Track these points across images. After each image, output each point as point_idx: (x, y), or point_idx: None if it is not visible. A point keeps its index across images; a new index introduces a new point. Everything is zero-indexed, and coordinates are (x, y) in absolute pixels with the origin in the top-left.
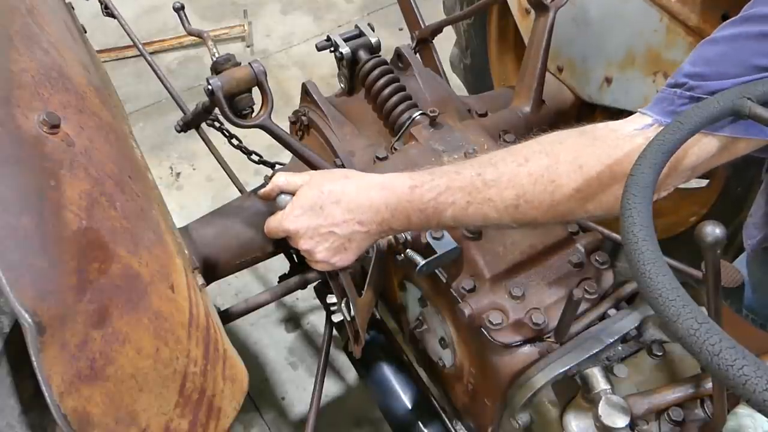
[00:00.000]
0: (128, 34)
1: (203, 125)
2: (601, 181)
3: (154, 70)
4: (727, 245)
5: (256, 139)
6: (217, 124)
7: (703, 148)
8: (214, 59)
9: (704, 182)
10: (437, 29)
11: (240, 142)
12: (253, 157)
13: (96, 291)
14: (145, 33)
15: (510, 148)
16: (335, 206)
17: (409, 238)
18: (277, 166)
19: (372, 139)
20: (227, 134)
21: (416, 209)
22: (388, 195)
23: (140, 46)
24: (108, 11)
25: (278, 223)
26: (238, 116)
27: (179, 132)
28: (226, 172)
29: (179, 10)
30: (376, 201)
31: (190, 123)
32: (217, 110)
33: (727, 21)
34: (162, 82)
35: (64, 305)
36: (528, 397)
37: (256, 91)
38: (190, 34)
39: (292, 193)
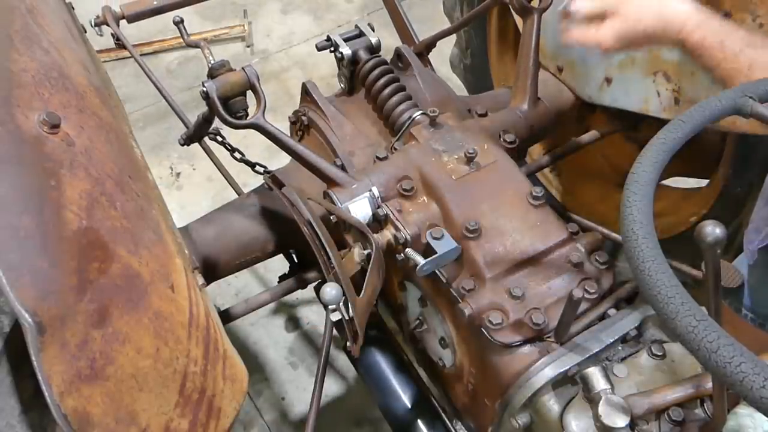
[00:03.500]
0: (124, 43)
1: None
2: None
3: (152, 80)
4: (727, 245)
5: (255, 139)
6: (219, 139)
7: None
8: (210, 65)
9: (704, 182)
10: (431, 44)
11: (242, 155)
12: (258, 168)
13: (96, 291)
14: (146, 33)
15: None
16: None
17: (408, 238)
18: None
19: (372, 139)
20: (229, 148)
21: None
22: None
23: (136, 55)
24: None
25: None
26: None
27: (183, 145)
28: (224, 177)
29: (179, 24)
30: None
31: (193, 136)
32: (218, 124)
33: None
34: (159, 91)
35: (64, 305)
36: (528, 397)
37: (251, 97)
38: (188, 45)
39: None
